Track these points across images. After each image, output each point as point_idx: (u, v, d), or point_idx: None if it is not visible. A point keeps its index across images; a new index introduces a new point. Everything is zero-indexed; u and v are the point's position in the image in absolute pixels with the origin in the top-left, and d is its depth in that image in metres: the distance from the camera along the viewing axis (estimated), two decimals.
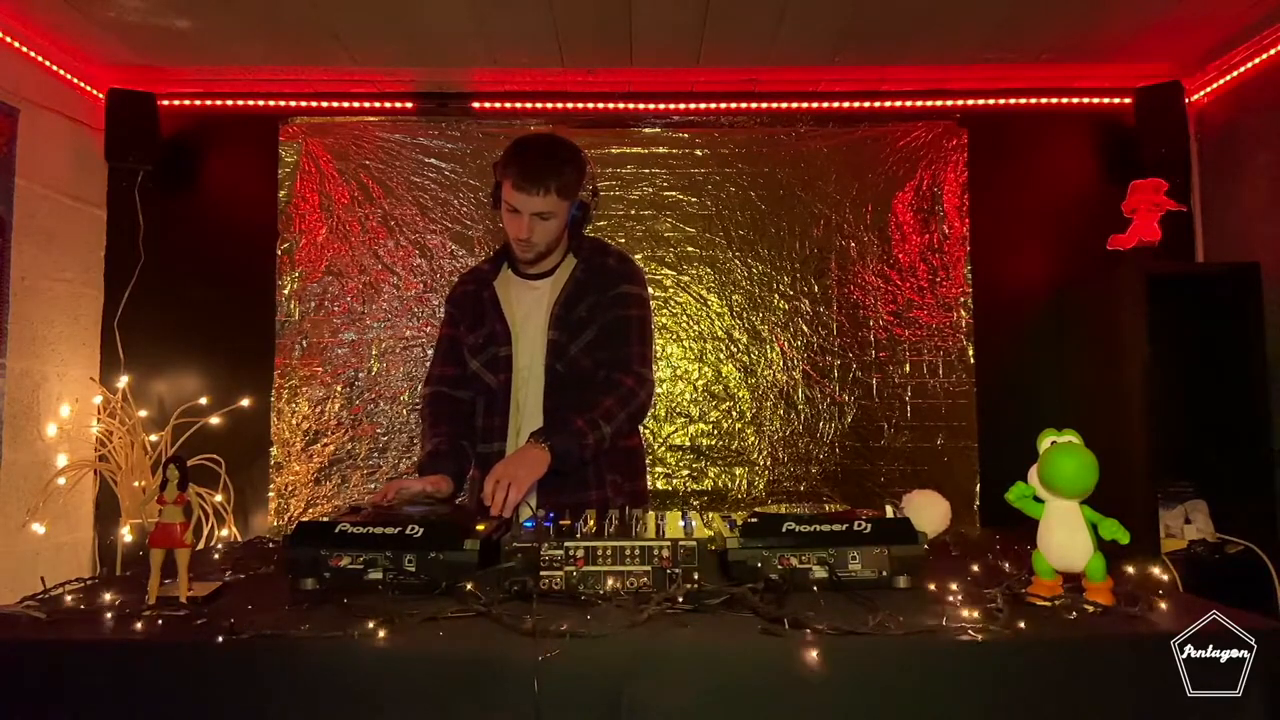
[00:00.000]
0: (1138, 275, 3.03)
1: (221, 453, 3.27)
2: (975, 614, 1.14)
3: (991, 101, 3.61)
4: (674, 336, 3.58)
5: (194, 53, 3.24)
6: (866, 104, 3.63)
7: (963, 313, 3.56)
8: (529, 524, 1.45)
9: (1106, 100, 3.61)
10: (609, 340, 2.05)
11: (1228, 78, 3.36)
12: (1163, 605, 1.20)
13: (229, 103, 3.62)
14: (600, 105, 3.64)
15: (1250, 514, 3.03)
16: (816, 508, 1.49)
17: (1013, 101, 3.61)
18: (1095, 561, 1.25)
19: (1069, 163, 3.64)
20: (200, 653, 1.07)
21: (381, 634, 1.08)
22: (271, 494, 3.50)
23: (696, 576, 1.27)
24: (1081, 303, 3.42)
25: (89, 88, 3.44)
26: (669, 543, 1.29)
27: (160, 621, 1.16)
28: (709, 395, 3.56)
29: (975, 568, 1.51)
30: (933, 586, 1.33)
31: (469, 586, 1.25)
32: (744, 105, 3.63)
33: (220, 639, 1.07)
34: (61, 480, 3.14)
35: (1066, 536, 1.27)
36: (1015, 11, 2.95)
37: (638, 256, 3.55)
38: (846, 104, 3.63)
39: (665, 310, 3.57)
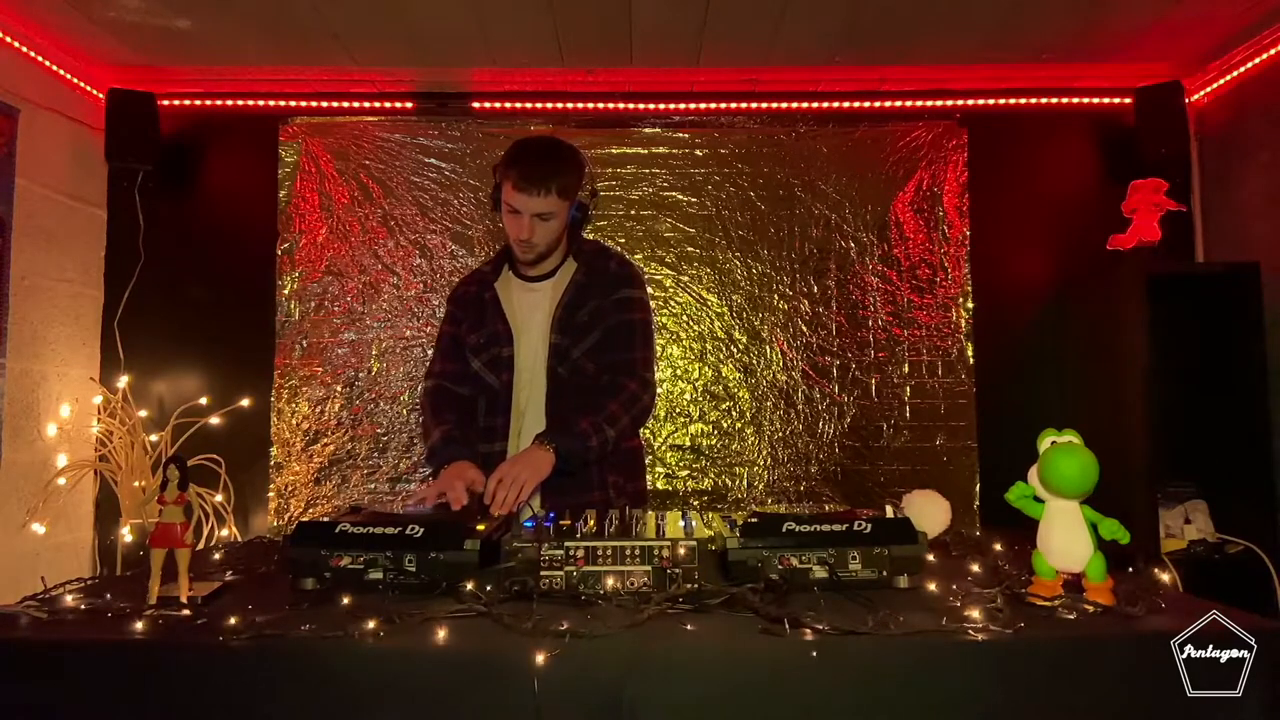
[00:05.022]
0: (1138, 275, 3.03)
1: (221, 453, 3.27)
2: (975, 614, 1.14)
3: (991, 101, 3.61)
4: (674, 337, 3.57)
5: (194, 53, 3.24)
6: (866, 104, 3.63)
7: (962, 313, 3.56)
8: (529, 524, 1.45)
9: (1106, 100, 3.60)
10: (612, 344, 2.06)
11: (1228, 78, 3.35)
12: (1163, 605, 1.20)
13: (229, 103, 3.62)
14: (600, 105, 3.63)
15: (1250, 514, 3.03)
16: (816, 508, 1.49)
17: (1013, 101, 3.61)
18: (1095, 561, 1.25)
19: (1069, 163, 3.64)
20: (200, 653, 1.07)
21: (381, 634, 1.08)
22: (271, 494, 3.50)
23: (696, 576, 1.27)
24: (1081, 303, 3.41)
25: (89, 88, 3.43)
26: (669, 543, 1.29)
27: (160, 621, 1.16)
28: (709, 395, 3.56)
29: (975, 568, 1.51)
30: (933, 586, 1.33)
31: (469, 586, 1.25)
32: (744, 105, 3.63)
33: (220, 639, 1.07)
34: (61, 480, 3.14)
35: (1066, 536, 1.28)
36: (1015, 11, 2.95)
37: (637, 257, 3.56)
38: (846, 104, 3.63)
39: (665, 310, 3.56)
